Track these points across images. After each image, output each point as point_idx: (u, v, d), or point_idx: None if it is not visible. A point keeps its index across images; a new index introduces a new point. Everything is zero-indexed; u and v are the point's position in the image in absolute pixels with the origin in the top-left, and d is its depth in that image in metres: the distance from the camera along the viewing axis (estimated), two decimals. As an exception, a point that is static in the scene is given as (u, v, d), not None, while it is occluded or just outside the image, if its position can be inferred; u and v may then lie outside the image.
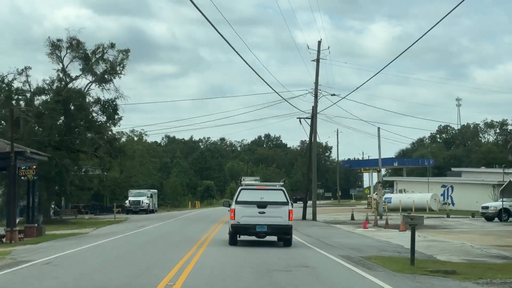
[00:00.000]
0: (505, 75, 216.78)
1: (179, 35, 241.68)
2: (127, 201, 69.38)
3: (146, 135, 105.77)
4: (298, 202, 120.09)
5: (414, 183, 75.86)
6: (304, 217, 56.11)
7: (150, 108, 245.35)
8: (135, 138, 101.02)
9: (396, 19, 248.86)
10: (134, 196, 69.66)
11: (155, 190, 76.98)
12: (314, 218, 55.02)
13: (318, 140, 62.98)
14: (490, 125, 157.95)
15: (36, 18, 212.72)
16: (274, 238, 27.51)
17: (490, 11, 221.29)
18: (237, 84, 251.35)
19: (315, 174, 57.47)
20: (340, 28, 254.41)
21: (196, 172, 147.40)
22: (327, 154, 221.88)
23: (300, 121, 56.24)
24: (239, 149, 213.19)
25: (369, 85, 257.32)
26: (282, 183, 26.77)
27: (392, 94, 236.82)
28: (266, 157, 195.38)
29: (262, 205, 24.56)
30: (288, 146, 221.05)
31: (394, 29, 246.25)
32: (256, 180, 28.59)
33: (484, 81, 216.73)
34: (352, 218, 54.39)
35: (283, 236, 25.51)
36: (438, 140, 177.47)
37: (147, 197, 69.89)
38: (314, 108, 56.22)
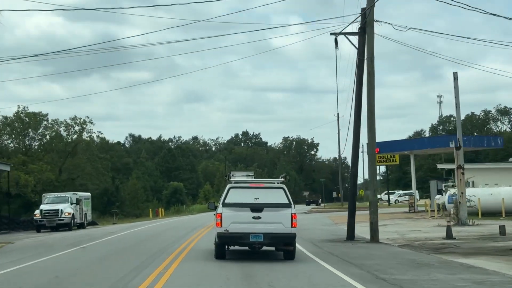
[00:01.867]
0: (481, 75, 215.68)
1: (154, 41, 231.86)
2: (37, 212, 44.73)
3: (100, 133, 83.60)
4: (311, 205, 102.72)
5: (486, 172, 52.28)
6: (350, 235, 29.42)
7: (124, 115, 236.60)
8: (76, 128, 77.67)
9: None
10: (49, 203, 44.93)
11: (87, 194, 52.60)
12: (374, 238, 28.10)
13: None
14: (503, 112, 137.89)
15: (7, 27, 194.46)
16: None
17: (464, 11, 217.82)
18: (213, 89, 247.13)
19: (373, 150, 29.14)
20: (315, 29, 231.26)
21: (163, 174, 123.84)
22: (312, 152, 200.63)
23: (336, 41, 28.82)
24: (214, 148, 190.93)
25: (344, 87, 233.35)
26: (283, 179, 20.66)
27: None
28: (244, 156, 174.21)
29: (257, 208, 19.45)
30: (269, 144, 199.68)
31: None
32: (249, 175, 22.80)
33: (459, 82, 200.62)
34: (450, 234, 27.73)
35: (284, 247, 20.11)
36: (441, 132, 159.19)
37: (71, 204, 44.78)
38: (369, 12, 27.13)
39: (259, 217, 19.53)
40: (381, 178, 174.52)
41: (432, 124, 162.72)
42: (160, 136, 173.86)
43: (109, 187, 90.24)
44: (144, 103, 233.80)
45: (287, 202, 19.76)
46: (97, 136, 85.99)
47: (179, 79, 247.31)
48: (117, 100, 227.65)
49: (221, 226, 19.71)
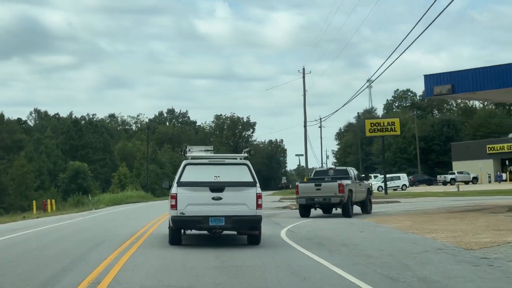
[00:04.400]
0: (401, 65, 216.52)
1: (76, 24, 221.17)
2: None
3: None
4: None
5: None
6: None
7: (44, 101, 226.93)
8: None
9: (298, 8, 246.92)
10: None
11: None
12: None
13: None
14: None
15: None
16: None
17: (388, 1, 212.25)
18: (137, 75, 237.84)
19: None
20: (242, 17, 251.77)
21: (66, 153, 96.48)
22: (249, 132, 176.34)
23: None
24: (134, 127, 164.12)
25: (269, 75, 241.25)
26: (246, 154, 18.63)
27: (292, 84, 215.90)
28: (170, 136, 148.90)
29: (217, 187, 17.23)
30: (198, 123, 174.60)
31: (297, 18, 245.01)
32: (208, 150, 19.75)
33: (379, 71, 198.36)
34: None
35: (248, 231, 17.89)
36: (396, 109, 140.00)
37: None
38: None
39: (220, 198, 17.23)
40: (336, 159, 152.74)
41: (387, 100, 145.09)
42: (71, 113, 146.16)
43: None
44: (65, 88, 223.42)
45: (252, 180, 17.33)
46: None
47: (102, 64, 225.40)
48: (36, 85, 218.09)
49: (176, 209, 17.26)
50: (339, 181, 28.23)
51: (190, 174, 17.49)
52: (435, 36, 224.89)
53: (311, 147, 76.95)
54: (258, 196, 17.24)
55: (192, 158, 18.11)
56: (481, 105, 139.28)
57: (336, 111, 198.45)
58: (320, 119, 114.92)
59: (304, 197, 28.93)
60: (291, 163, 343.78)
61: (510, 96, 31.36)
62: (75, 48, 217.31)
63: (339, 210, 29.55)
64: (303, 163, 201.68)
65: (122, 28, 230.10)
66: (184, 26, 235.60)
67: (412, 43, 26.09)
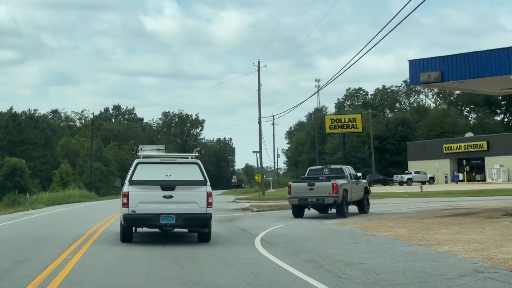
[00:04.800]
0: (348, 65, 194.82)
1: (20, 19, 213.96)
2: None
3: None
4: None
5: None
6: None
7: None
8: None
9: (247, 7, 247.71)
10: None
11: None
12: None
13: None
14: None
15: None
16: None
17: (335, 2, 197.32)
18: (83, 72, 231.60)
19: None
20: (191, 15, 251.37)
21: (3, 149, 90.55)
22: (198, 129, 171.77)
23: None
24: (78, 124, 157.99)
25: (218, 73, 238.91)
26: (197, 154, 18.93)
27: (240, 83, 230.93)
28: (116, 133, 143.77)
29: (168, 186, 17.50)
30: (145, 120, 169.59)
31: (246, 17, 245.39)
32: (160, 150, 19.93)
33: (328, 71, 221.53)
34: None
35: (199, 229, 18.05)
36: (348, 108, 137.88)
37: None
38: None
39: (171, 196, 17.46)
40: (287, 158, 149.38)
41: (338, 99, 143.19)
42: (11, 108, 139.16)
43: None
44: (6, 84, 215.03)
45: (202, 179, 17.70)
46: None
47: (46, 60, 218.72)
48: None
49: (128, 207, 17.44)
50: (333, 181, 26.63)
51: (142, 173, 17.68)
52: (380, 37, 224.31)
53: (265, 145, 73.05)
54: (209, 195, 17.45)
55: (144, 157, 18.35)
56: (434, 105, 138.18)
57: (294, 107, 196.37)
58: (273, 116, 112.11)
59: (297, 197, 27.36)
60: (240, 162, 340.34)
61: (501, 86, 28.06)
62: (18, 43, 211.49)
63: (333, 210, 27.91)
64: (252, 163, 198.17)
65: (67, 23, 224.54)
66: (131, 23, 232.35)
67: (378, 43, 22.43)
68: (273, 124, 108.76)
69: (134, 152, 19.36)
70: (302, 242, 17.23)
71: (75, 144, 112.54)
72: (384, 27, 23.10)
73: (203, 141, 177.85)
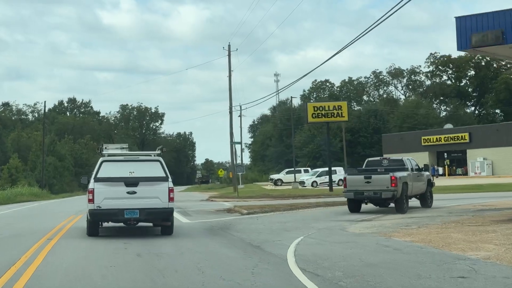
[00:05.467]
0: (303, 61, 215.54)
1: None
2: None
3: None
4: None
5: None
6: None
7: None
8: None
9: (205, 2, 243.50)
10: None
11: None
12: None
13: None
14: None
15: None
16: None
17: None
18: (37, 67, 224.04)
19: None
20: (148, 10, 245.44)
21: None
22: (157, 123, 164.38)
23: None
24: (31, 117, 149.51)
25: (175, 68, 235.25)
26: (159, 151, 20.05)
27: (197, 78, 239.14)
28: (71, 127, 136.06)
29: (131, 182, 18.42)
30: (102, 114, 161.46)
31: (203, 12, 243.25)
32: (124, 148, 20.70)
33: (284, 67, 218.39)
34: None
35: (162, 223, 19.21)
36: (314, 100, 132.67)
37: None
38: None
39: (134, 192, 18.43)
40: (252, 152, 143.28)
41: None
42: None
43: None
44: None
45: (164, 175, 18.76)
46: None
47: None
48: None
49: (93, 203, 18.37)
50: (391, 174, 25.16)
51: (106, 170, 18.58)
52: (337, 33, 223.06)
53: (232, 137, 66.73)
54: (170, 190, 18.48)
55: (108, 156, 19.18)
56: (404, 97, 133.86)
57: (269, 95, 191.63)
58: (240, 106, 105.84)
59: (352, 191, 26.14)
60: (199, 158, 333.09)
61: None
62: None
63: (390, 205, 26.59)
64: (222, 157, 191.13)
65: (21, 17, 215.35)
66: (87, 17, 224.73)
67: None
68: (240, 116, 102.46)
69: (98, 151, 20.25)
70: (371, 275, 10.96)
71: (27, 138, 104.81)
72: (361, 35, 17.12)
73: (163, 135, 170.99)
